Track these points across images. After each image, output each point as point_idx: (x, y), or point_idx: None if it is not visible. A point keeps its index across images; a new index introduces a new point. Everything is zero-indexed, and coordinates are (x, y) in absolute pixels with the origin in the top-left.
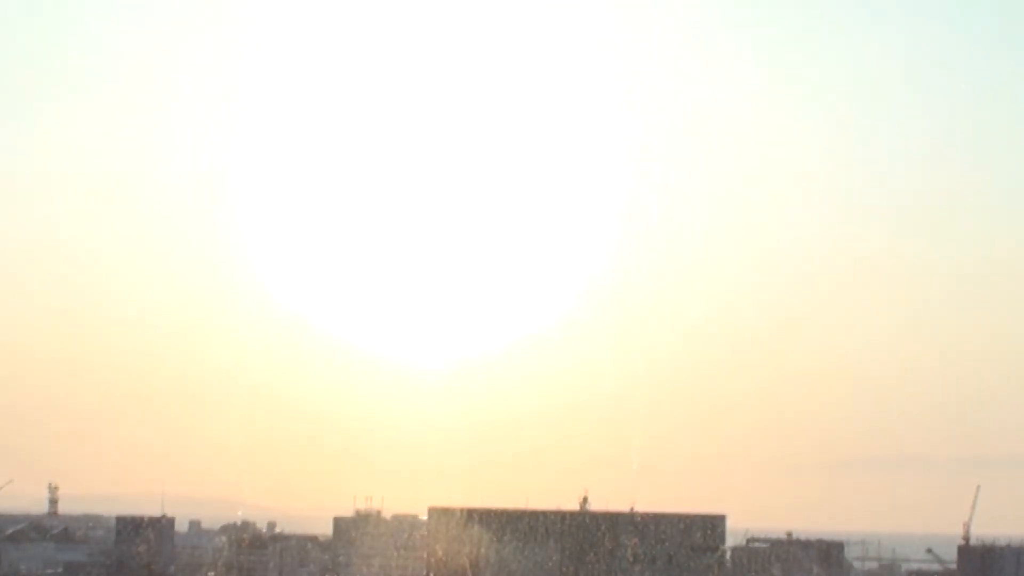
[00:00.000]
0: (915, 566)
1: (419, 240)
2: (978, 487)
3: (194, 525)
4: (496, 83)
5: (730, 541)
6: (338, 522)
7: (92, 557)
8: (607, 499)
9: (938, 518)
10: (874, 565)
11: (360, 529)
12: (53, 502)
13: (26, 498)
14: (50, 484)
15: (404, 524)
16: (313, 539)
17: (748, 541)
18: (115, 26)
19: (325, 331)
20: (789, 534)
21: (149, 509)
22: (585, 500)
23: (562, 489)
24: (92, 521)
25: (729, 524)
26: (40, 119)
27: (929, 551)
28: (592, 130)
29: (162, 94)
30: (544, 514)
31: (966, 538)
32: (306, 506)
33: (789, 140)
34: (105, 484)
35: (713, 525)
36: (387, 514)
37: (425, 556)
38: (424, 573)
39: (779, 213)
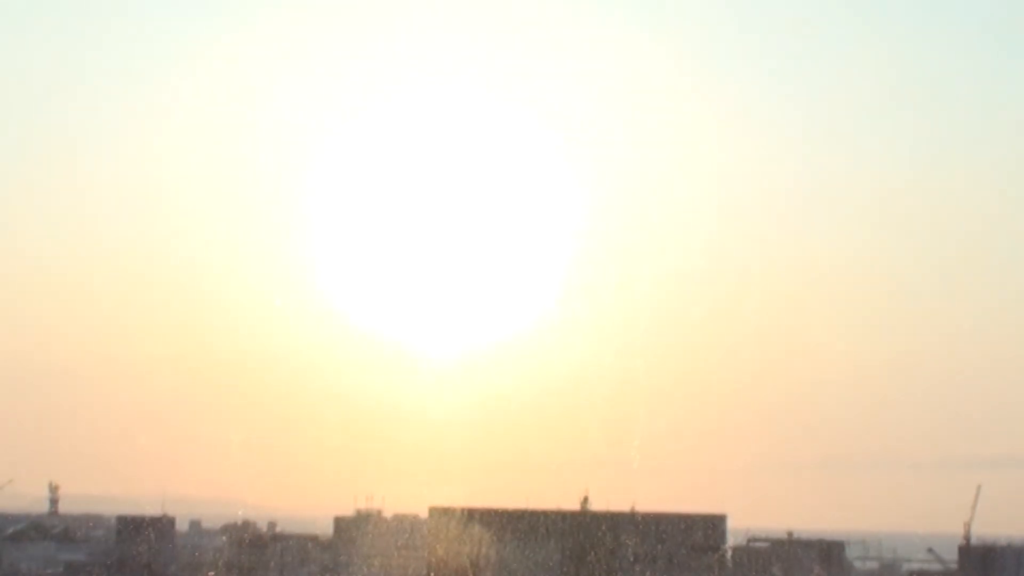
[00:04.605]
0: (916, 566)
1: (421, 229)
2: (978, 487)
3: (195, 525)
4: (510, 90)
5: (731, 541)
6: (339, 522)
7: (93, 557)
8: (607, 499)
9: (939, 518)
10: (875, 565)
11: (361, 529)
12: (53, 502)
13: (26, 498)
14: (50, 484)
15: (405, 524)
16: (314, 539)
17: (749, 541)
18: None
19: (325, 330)
20: (790, 534)
21: (149, 509)
22: (586, 500)
23: (562, 489)
24: (92, 521)
25: (730, 524)
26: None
27: (930, 551)
28: (595, 128)
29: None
30: (544, 514)
31: (967, 538)
32: (306, 506)
33: (779, 135)
34: (105, 484)
35: (714, 525)
36: (388, 513)
37: (426, 556)
38: (425, 573)
39: (779, 211)
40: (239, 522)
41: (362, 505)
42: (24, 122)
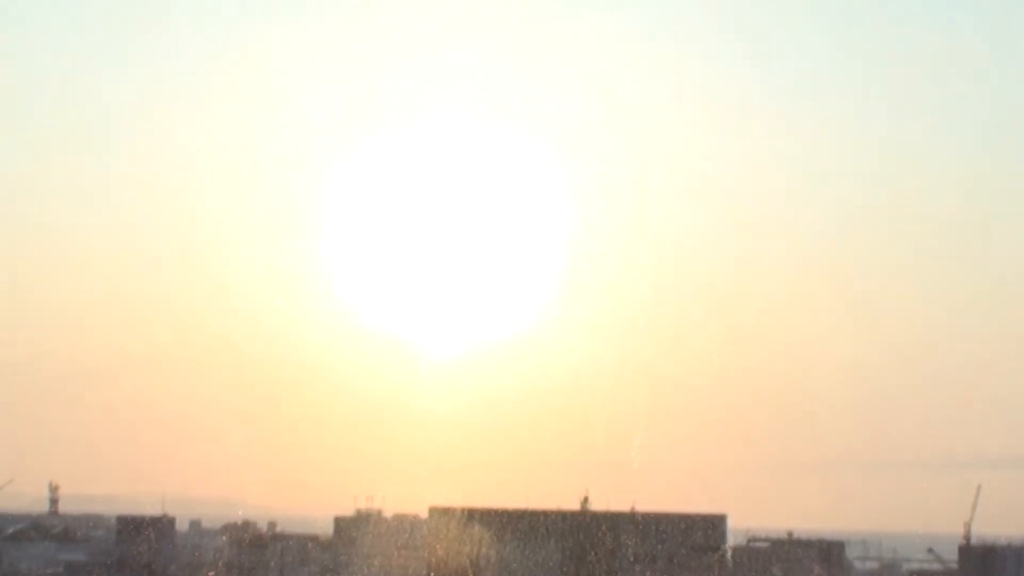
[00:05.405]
0: (916, 566)
1: (420, 228)
2: (978, 487)
3: (195, 525)
4: (509, 91)
5: (731, 541)
6: (339, 522)
7: (93, 556)
8: (608, 499)
9: (939, 518)
10: (875, 565)
11: (361, 529)
12: (53, 501)
13: (26, 498)
14: (50, 484)
15: (405, 524)
16: (314, 539)
17: (749, 541)
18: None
19: (325, 330)
20: (790, 534)
21: (149, 509)
22: (586, 500)
23: (562, 489)
24: (93, 521)
25: (730, 524)
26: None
27: (930, 551)
28: (595, 128)
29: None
30: (544, 514)
31: (967, 538)
32: (306, 506)
33: (780, 135)
34: (105, 484)
35: (714, 525)
36: (388, 513)
37: (426, 556)
38: (425, 573)
39: (780, 210)
40: (239, 522)
41: (362, 505)
42: (30, 121)
